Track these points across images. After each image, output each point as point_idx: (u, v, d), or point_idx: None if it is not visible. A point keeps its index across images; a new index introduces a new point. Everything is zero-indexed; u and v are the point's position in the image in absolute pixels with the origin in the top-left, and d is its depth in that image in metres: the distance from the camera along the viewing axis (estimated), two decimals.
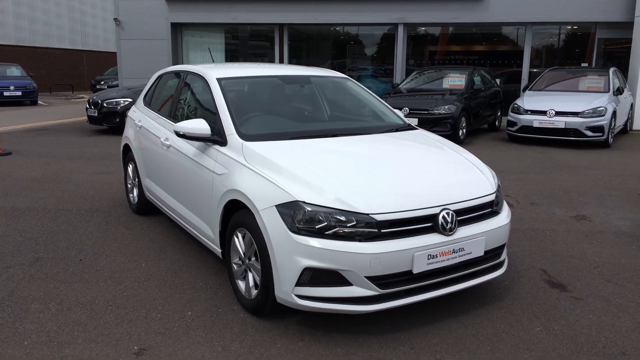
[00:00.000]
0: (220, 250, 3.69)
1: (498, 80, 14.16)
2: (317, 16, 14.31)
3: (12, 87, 19.31)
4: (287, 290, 2.99)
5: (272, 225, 3.01)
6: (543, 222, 5.41)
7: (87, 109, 11.81)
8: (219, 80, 4.11)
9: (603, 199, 6.34)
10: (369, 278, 2.90)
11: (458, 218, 3.15)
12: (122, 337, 3.09)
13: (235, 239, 3.42)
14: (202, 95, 4.26)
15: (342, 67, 17.19)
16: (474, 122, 11.42)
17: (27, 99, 19.86)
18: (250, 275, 3.34)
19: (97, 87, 22.71)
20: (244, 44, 16.78)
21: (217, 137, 3.73)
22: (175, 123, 3.86)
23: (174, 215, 4.49)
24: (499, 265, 3.47)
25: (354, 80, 4.80)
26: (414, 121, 10.45)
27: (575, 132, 10.03)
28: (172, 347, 3.00)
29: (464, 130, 10.84)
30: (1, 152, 8.99)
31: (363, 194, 3.01)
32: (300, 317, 3.32)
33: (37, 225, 5.16)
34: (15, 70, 20.81)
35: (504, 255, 3.51)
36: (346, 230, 2.91)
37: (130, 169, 5.56)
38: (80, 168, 7.98)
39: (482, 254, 3.23)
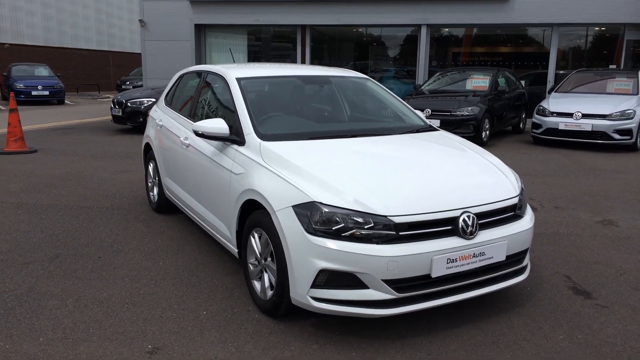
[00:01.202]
0: (236, 250, 3.67)
1: (523, 82, 13.94)
2: (339, 17, 14.27)
3: (40, 87, 19.70)
4: (302, 292, 2.95)
5: (289, 226, 2.97)
6: (568, 226, 5.28)
7: (111, 108, 11.97)
8: (239, 80, 4.09)
9: (631, 204, 6.15)
10: (386, 281, 2.84)
11: (479, 221, 3.06)
12: (136, 336, 3.09)
13: (252, 238, 3.40)
14: (222, 95, 4.25)
15: (364, 68, 17.12)
16: (497, 124, 11.24)
17: (55, 99, 20.22)
18: (265, 276, 3.31)
19: (123, 87, 23.02)
20: (266, 45, 16.84)
21: (236, 137, 3.71)
22: (195, 122, 3.85)
23: (192, 214, 4.49)
24: (521, 271, 3.37)
25: (374, 81, 4.74)
26: (436, 123, 10.34)
27: (603, 135, 9.79)
28: (185, 346, 2.98)
29: (487, 132, 10.68)
30: (27, 149, 9.15)
31: (381, 195, 2.95)
32: (315, 319, 3.27)
33: (59, 222, 5.21)
34: (43, 70, 21.23)
35: (526, 261, 3.41)
36: (363, 232, 2.85)
37: (150, 167, 5.59)
38: (103, 166, 8.07)
39: (503, 258, 3.14)
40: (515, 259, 3.27)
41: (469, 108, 10.29)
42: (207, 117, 4.26)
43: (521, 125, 12.78)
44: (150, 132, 5.46)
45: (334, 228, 2.86)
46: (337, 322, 3.23)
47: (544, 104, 10.71)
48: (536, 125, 10.64)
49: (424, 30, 14.29)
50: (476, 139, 10.31)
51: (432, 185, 3.13)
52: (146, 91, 12.18)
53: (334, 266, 2.84)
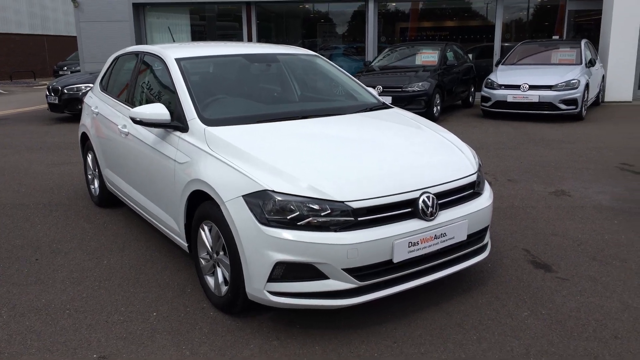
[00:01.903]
0: (186, 244, 3.44)
1: (470, 56, 14.03)
2: None
3: None
4: (258, 287, 2.76)
5: (240, 218, 2.76)
6: (522, 199, 5.28)
7: (47, 96, 11.29)
8: (178, 60, 3.81)
9: (580, 173, 6.24)
10: (346, 270, 2.69)
11: (439, 201, 2.95)
12: (80, 345, 2.83)
13: (202, 232, 3.17)
14: (161, 78, 3.95)
15: (313, 46, 16.81)
16: (447, 99, 11.26)
17: None
18: (219, 271, 3.10)
19: (60, 73, 21.84)
20: (211, 24, 16.26)
21: (178, 123, 3.45)
22: (132, 109, 3.56)
23: (137, 208, 4.20)
24: (482, 249, 3.29)
25: (324, 58, 4.53)
26: (387, 99, 10.23)
27: (549, 105, 9.95)
28: (135, 353, 2.75)
29: (439, 107, 10.68)
30: None
31: (337, 180, 2.78)
32: (274, 312, 3.10)
33: None
34: None
35: (487, 238, 3.33)
36: (320, 220, 2.68)
37: (89, 159, 5.23)
38: (39, 159, 7.57)
39: (464, 238, 3.05)
40: (475, 237, 3.18)
41: (420, 83, 10.24)
42: (147, 102, 3.96)
43: (470, 99, 12.87)
44: (86, 120, 5.09)
45: (288, 217, 2.68)
46: (297, 314, 3.07)
47: (492, 77, 10.78)
48: (485, 99, 10.71)
49: (371, 5, 14.11)
50: (428, 114, 10.29)
51: (389, 166, 2.98)
52: (84, 76, 11.54)
53: (290, 258, 2.67)
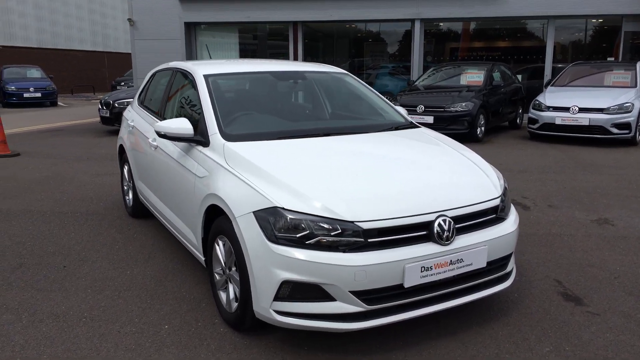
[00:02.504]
0: (203, 258, 3.44)
1: (520, 77, 13.68)
2: (331, 13, 14.02)
3: (31, 89, 19.50)
4: (265, 306, 2.72)
5: (250, 234, 2.74)
6: (561, 226, 5.04)
7: (99, 109, 11.75)
8: (206, 77, 3.86)
9: (628, 201, 5.91)
10: (354, 293, 2.61)
11: (456, 225, 2.83)
12: (88, 354, 2.86)
13: (217, 246, 3.17)
14: (190, 93, 4.02)
15: (360, 65, 16.89)
16: (493, 120, 10.99)
17: (47, 100, 20.02)
18: (230, 287, 3.08)
19: (118, 87, 22.79)
20: (260, 43, 16.60)
21: (200, 138, 3.48)
22: (158, 122, 3.63)
23: (162, 219, 4.26)
24: (504, 277, 3.13)
25: (353, 76, 4.49)
26: (429, 119, 10.12)
27: (600, 129, 9.53)
28: None
29: (483, 129, 10.43)
30: (9, 153, 8.94)
31: (348, 199, 2.72)
32: (283, 332, 3.04)
33: (29, 229, 4.99)
34: (35, 72, 21.02)
35: (510, 266, 3.17)
36: (329, 239, 2.62)
37: (125, 170, 5.37)
38: (85, 169, 7.85)
39: (484, 265, 2.91)
40: (497, 265, 3.03)
41: (463, 104, 10.05)
42: (176, 116, 4.03)
43: (518, 121, 12.52)
44: (123, 133, 5.24)
45: (297, 235, 2.63)
46: (306, 335, 3.00)
47: (540, 98, 10.45)
48: (532, 121, 10.39)
49: (417, 25, 14.04)
50: (471, 135, 10.08)
51: (405, 187, 2.89)
52: (134, 91, 11.95)
53: (297, 277, 2.62)
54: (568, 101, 9.89)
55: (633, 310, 3.32)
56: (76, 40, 29.92)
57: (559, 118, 9.84)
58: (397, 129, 3.88)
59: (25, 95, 19.34)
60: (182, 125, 3.48)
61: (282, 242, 2.64)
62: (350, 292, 2.60)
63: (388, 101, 4.28)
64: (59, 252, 4.41)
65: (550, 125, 9.98)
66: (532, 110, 10.43)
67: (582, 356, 2.81)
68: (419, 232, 2.75)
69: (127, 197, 5.43)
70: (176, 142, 3.71)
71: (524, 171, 7.57)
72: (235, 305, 3.02)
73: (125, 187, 5.45)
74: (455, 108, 10.02)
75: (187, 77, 4.14)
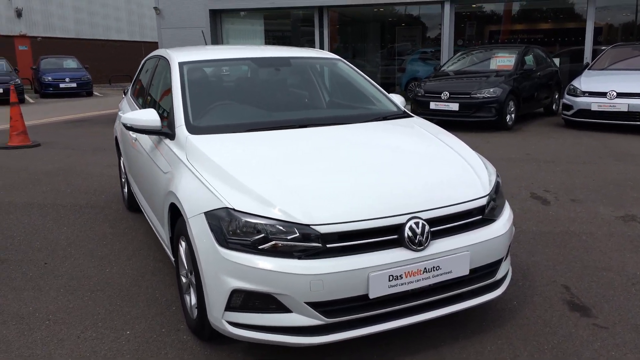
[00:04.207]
0: (173, 259, 3.24)
1: (558, 60, 12.94)
2: None
3: (67, 79, 19.85)
4: (217, 315, 2.48)
5: (200, 237, 2.50)
6: (581, 223, 4.60)
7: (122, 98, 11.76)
8: (181, 64, 3.63)
9: None
10: (310, 304, 2.34)
11: (433, 229, 2.51)
12: None
13: (180, 248, 2.95)
14: (167, 82, 3.80)
15: (391, 50, 16.44)
16: (525, 107, 10.39)
17: (83, 90, 20.35)
18: (192, 292, 2.86)
19: None
20: (285, 29, 16.32)
21: (167, 130, 3.26)
22: (124, 114, 3.42)
23: (145, 214, 4.09)
24: (493, 286, 2.79)
25: (346, 62, 4.16)
26: (454, 106, 9.65)
27: None
28: None
29: (513, 116, 9.87)
30: (30, 143, 9.01)
31: (306, 200, 2.44)
32: (248, 343, 2.80)
33: (23, 223, 4.92)
34: (71, 63, 21.40)
35: (501, 273, 2.82)
36: (285, 244, 2.36)
37: (121, 162, 5.23)
38: (99, 160, 7.81)
39: (466, 272, 2.58)
40: (484, 272, 2.70)
41: (491, 89, 9.52)
42: (153, 107, 3.82)
43: (554, 107, 11.84)
44: (116, 124, 5.09)
45: (248, 240, 2.38)
46: (272, 347, 2.74)
47: (575, 83, 9.80)
48: (567, 107, 9.76)
49: (447, 7, 13.45)
50: (499, 123, 9.56)
51: (375, 185, 2.58)
52: None
53: (248, 286, 2.36)
54: (605, 86, 9.22)
55: None
56: (113, 30, 30.41)
57: (595, 104, 9.19)
58: (385, 119, 3.55)
59: (62, 85, 19.71)
60: (148, 117, 3.26)
61: (233, 246, 2.40)
62: (306, 303, 2.33)
63: (381, 89, 3.94)
64: (45, 247, 4.30)
65: (586, 112, 9.35)
66: (566, 96, 9.81)
67: None
68: (388, 236, 2.45)
69: (124, 190, 5.30)
70: (150, 135, 3.51)
71: (551, 161, 7.07)
72: (196, 312, 2.79)
73: (123, 180, 5.32)
74: (482, 94, 9.50)
75: (166, 65, 3.92)
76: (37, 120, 12.71)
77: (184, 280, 3.03)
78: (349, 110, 3.75)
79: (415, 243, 2.44)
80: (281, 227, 2.36)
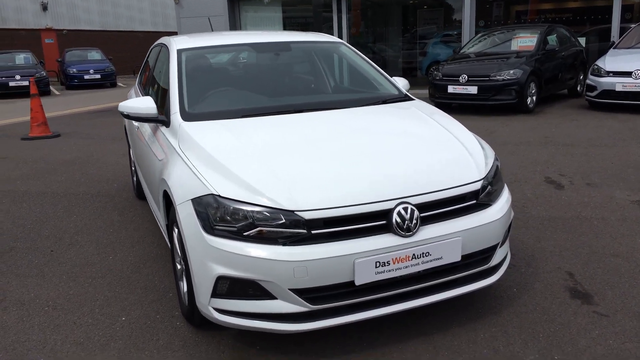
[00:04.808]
0: (170, 246, 3.24)
1: (584, 40, 12.53)
2: None
3: (91, 71, 20.14)
4: (203, 302, 2.48)
5: (187, 223, 2.49)
6: (594, 208, 4.45)
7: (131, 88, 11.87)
8: (180, 51, 3.62)
9: None
10: (295, 291, 2.31)
11: (423, 214, 2.45)
12: (35, 346, 2.75)
13: (174, 234, 2.95)
14: (167, 69, 3.79)
15: (413, 33, 16.21)
16: (547, 88, 10.11)
17: (107, 82, 20.62)
18: (184, 278, 2.86)
19: None
20: (305, 15, 16.20)
21: (163, 117, 3.25)
22: (121, 102, 3.43)
23: (147, 201, 4.11)
24: (488, 272, 2.71)
25: (349, 46, 4.08)
26: (472, 89, 9.44)
27: None
28: None
29: (534, 98, 9.60)
30: (50, 134, 9.18)
31: (292, 186, 2.40)
32: (239, 330, 2.79)
33: (35, 211, 5.01)
34: (95, 55, 21.70)
35: (497, 259, 2.73)
36: (270, 230, 2.33)
37: (130, 151, 5.28)
38: (116, 150, 7.90)
39: (458, 259, 2.51)
40: (477, 258, 2.62)
41: (511, 71, 9.27)
42: (151, 95, 3.83)
43: (578, 88, 11.48)
44: None
45: (233, 227, 2.36)
46: (261, 334, 2.73)
47: (599, 62, 9.46)
48: (590, 88, 9.45)
49: None
50: (520, 105, 9.33)
51: (364, 171, 2.53)
52: None
53: (233, 273, 2.35)
54: (630, 65, 8.88)
55: None
56: (137, 21, 30.68)
57: (620, 84, 8.87)
58: (384, 102, 3.47)
59: (86, 77, 20.01)
60: (144, 104, 3.26)
61: (218, 233, 2.38)
62: (290, 290, 2.31)
63: (384, 73, 3.85)
64: (53, 235, 4.37)
65: (610, 93, 9.04)
66: (590, 77, 9.49)
67: None
68: (376, 222, 2.40)
69: (134, 178, 5.35)
70: (148, 123, 3.51)
71: (570, 145, 6.86)
72: (187, 298, 2.80)
73: (133, 168, 5.37)
74: (501, 76, 9.27)
75: (167, 52, 3.91)
76: (60, 111, 12.95)
77: (178, 266, 3.03)
78: (347, 94, 3.69)
79: (404, 229, 2.38)
80: (267, 214, 2.33)
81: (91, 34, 27.70)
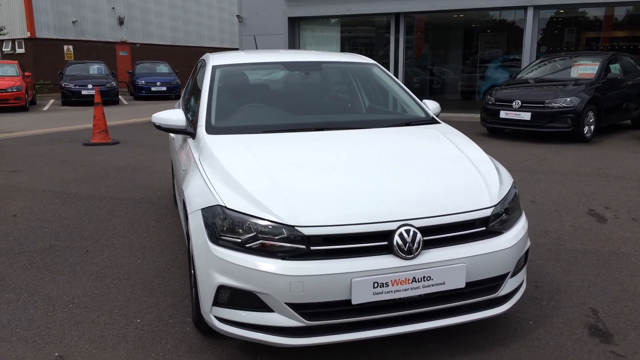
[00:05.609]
0: (189, 254, 3.35)
1: None
2: (434, 3, 13.33)
3: (158, 83, 21.12)
4: (206, 310, 2.55)
5: (196, 232, 2.58)
6: (635, 244, 4.22)
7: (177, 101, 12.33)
8: (214, 67, 3.77)
9: None
10: (291, 305, 2.34)
11: (426, 237, 2.42)
12: (53, 340, 2.90)
13: (190, 242, 3.05)
14: (201, 83, 3.95)
15: (474, 57, 16.03)
16: (608, 118, 9.71)
17: (172, 94, 21.54)
18: (193, 286, 2.95)
19: None
20: (363, 35, 16.35)
21: (191, 130, 3.39)
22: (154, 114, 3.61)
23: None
24: (497, 302, 2.63)
25: (381, 67, 4.10)
26: (525, 116, 9.19)
27: None
28: (89, 358, 2.72)
29: (592, 127, 9.24)
30: (110, 141, 9.68)
31: (296, 202, 2.44)
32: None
33: (81, 213, 5.30)
34: (163, 68, 22.74)
35: (507, 289, 2.65)
36: (271, 244, 2.37)
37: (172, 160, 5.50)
38: (165, 159, 8.22)
39: (462, 285, 2.46)
40: (484, 286, 2.55)
41: (567, 99, 8.97)
42: (188, 109, 3.99)
43: None
44: None
45: (237, 238, 2.42)
46: (265, 345, 2.76)
47: None
48: None
49: (530, 12, 12.85)
50: (576, 134, 8.99)
51: (370, 190, 2.53)
52: None
53: (233, 283, 2.41)
54: None
55: None
56: (206, 38, 31.94)
57: None
58: (409, 124, 3.46)
59: (153, 88, 21.01)
60: (174, 116, 3.41)
61: (223, 243, 2.45)
62: (286, 303, 2.34)
63: (413, 95, 3.84)
64: (92, 236, 4.61)
65: None
66: None
67: None
68: (377, 242, 2.39)
69: (173, 187, 5.56)
70: (180, 135, 3.67)
71: (622, 177, 6.54)
72: (195, 305, 2.88)
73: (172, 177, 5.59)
74: (557, 103, 8.98)
75: (205, 68, 4.08)
76: (124, 120, 13.63)
77: (192, 274, 3.13)
78: (372, 115, 3.70)
79: (405, 251, 2.37)
80: (270, 228, 2.38)
81: (162, 48, 29.07)
